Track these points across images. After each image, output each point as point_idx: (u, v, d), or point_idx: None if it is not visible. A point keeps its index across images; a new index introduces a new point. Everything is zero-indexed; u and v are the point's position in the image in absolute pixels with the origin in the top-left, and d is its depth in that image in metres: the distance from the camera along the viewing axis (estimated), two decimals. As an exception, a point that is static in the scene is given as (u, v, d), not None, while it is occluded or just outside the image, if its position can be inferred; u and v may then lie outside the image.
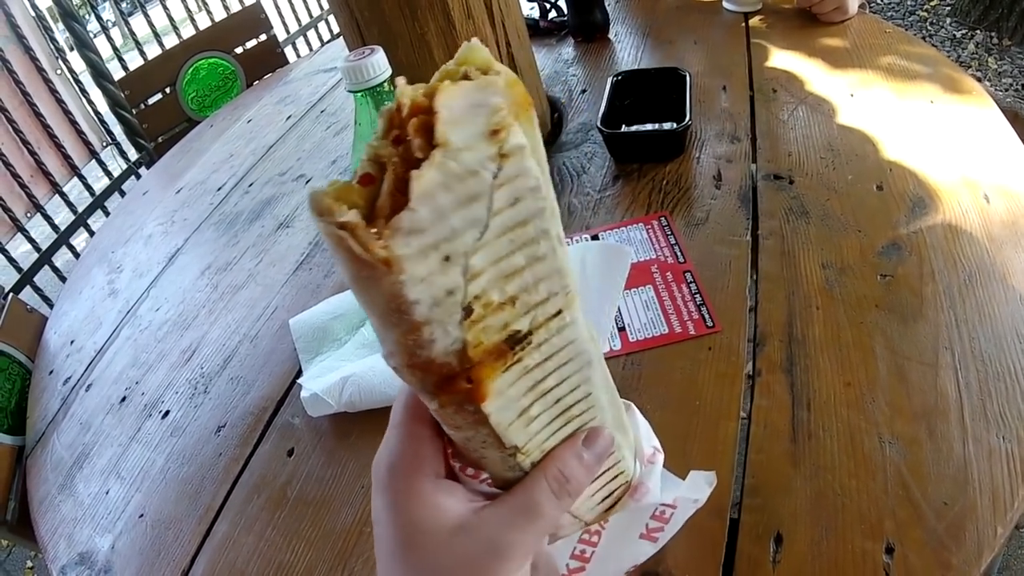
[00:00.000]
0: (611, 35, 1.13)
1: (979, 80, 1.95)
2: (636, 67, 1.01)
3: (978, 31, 2.63)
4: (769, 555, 0.44)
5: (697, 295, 0.61)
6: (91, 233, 1.83)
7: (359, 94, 0.51)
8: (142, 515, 0.61)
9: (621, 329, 0.60)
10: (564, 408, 0.26)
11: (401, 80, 0.21)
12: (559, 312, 0.23)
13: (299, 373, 0.68)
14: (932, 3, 2.96)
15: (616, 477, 0.32)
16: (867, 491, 0.45)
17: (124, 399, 0.75)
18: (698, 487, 0.35)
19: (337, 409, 0.60)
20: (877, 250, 0.63)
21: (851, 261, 0.62)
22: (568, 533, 0.33)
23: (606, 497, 0.32)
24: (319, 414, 0.61)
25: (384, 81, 0.51)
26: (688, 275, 0.64)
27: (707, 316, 0.59)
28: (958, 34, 2.64)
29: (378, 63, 0.50)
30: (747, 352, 0.56)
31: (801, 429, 0.50)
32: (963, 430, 0.47)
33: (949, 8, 2.91)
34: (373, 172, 0.20)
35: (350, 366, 0.63)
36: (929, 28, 2.79)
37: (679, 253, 0.66)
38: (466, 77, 0.20)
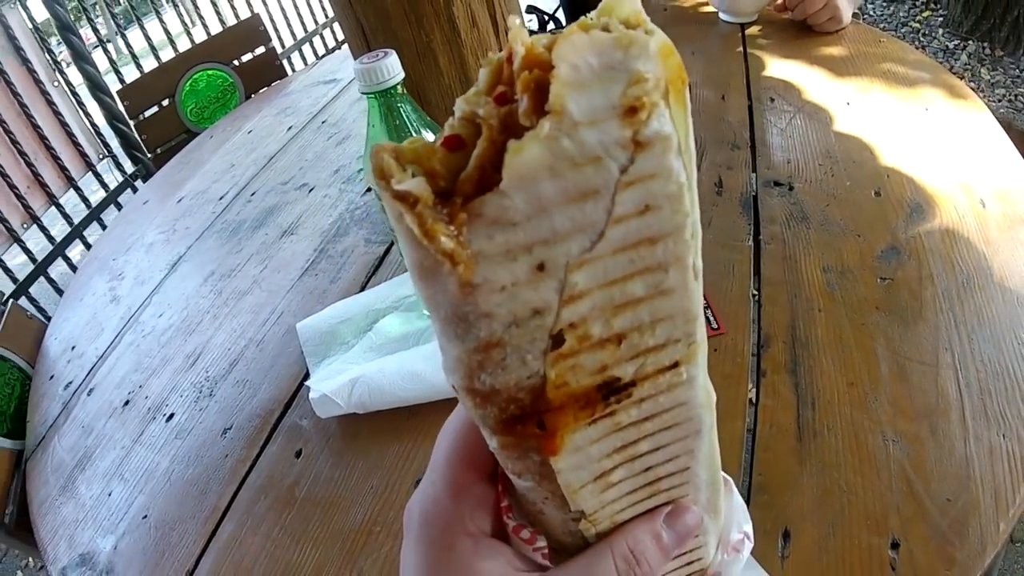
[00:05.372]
0: (610, 46, 1.15)
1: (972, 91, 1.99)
2: (635, 77, 1.03)
3: (970, 41, 2.66)
4: (778, 551, 0.44)
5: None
6: (87, 245, 1.82)
7: (372, 96, 0.52)
8: (145, 516, 0.61)
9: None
10: (653, 479, 0.21)
11: (515, 21, 0.15)
12: (675, 364, 0.18)
13: (306, 376, 0.68)
14: (924, 14, 3.01)
15: (691, 563, 0.26)
16: (872, 488, 0.46)
17: (127, 403, 0.75)
18: None
19: (346, 410, 0.60)
20: (876, 254, 0.64)
21: (851, 265, 0.63)
22: None
23: None
24: (328, 415, 0.61)
25: (397, 84, 0.52)
26: (692, 278, 0.64)
27: (712, 318, 0.60)
28: (950, 45, 2.67)
29: (392, 66, 0.51)
30: (752, 353, 0.57)
31: (806, 428, 0.51)
32: (964, 428, 0.48)
33: (941, 19, 2.96)
34: (464, 134, 0.15)
35: (359, 368, 0.63)
36: (922, 39, 2.83)
37: (682, 257, 0.67)
38: (606, 31, 0.15)
